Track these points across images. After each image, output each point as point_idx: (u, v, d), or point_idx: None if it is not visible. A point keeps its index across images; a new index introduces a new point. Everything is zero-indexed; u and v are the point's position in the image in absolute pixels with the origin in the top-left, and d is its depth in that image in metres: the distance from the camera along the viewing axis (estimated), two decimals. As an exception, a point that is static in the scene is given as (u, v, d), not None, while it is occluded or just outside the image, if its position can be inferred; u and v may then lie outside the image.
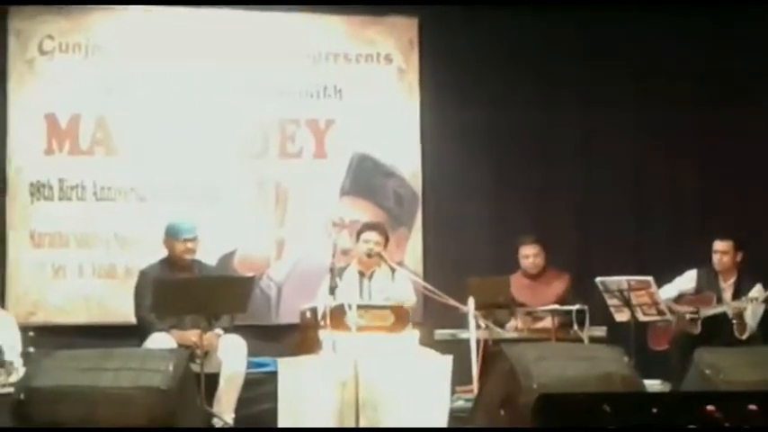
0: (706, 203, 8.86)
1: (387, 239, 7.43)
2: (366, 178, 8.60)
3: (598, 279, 7.59)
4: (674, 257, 8.29)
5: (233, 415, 6.88)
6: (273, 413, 6.53)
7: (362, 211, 8.49)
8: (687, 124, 8.93)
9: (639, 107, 8.91)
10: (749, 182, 8.82)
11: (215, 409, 6.78)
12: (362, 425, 6.18)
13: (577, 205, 8.90)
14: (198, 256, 7.35)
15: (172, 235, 7.22)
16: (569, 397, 5.05)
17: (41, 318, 8.03)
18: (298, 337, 7.26)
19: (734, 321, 7.61)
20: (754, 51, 8.75)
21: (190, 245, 7.20)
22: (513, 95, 8.75)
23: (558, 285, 8.01)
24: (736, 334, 7.59)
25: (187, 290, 6.65)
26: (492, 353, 6.73)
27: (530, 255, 8.08)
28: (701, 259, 7.99)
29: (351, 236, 7.88)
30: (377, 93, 8.64)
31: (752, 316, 7.65)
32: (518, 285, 7.95)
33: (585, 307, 7.42)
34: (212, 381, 6.75)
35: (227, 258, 8.29)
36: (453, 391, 6.79)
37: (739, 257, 7.92)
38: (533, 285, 8.05)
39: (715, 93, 8.82)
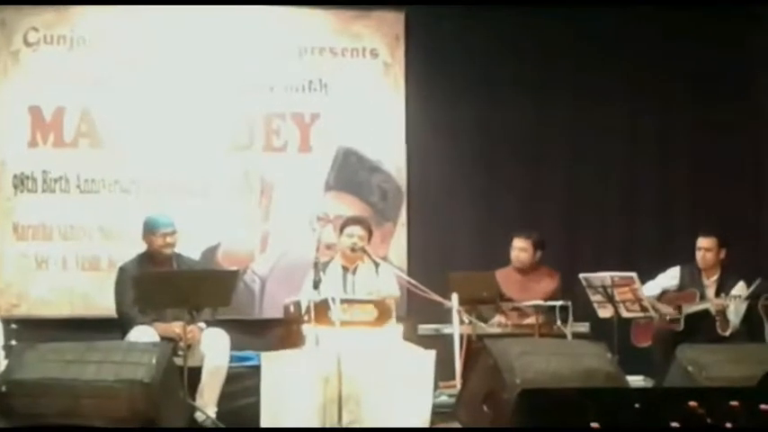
0: (694, 200, 8.89)
1: (370, 234, 7.42)
2: (351, 173, 8.59)
3: (582, 275, 7.60)
4: (663, 255, 8.31)
5: (215, 409, 6.86)
6: (256, 407, 6.52)
7: (347, 206, 8.49)
8: (677, 123, 8.97)
9: (629, 105, 8.93)
10: (736, 179, 8.85)
11: (198, 403, 6.76)
12: (345, 419, 6.18)
13: (565, 202, 8.91)
14: (182, 250, 7.34)
15: (150, 229, 7.21)
16: (552, 392, 5.07)
17: (24, 310, 8.01)
18: (281, 332, 7.26)
19: (717, 318, 7.62)
20: (743, 51, 8.78)
21: (169, 239, 7.18)
22: (499, 91, 8.75)
23: (549, 283, 7.99)
24: (719, 331, 7.60)
25: (170, 283, 6.63)
26: (475, 348, 6.75)
27: (516, 248, 8.07)
28: (691, 256, 8.00)
29: (335, 230, 7.87)
30: (362, 87, 8.63)
31: (734, 313, 7.66)
32: (508, 279, 7.94)
33: (569, 303, 7.43)
34: (195, 374, 6.74)
35: (211, 252, 8.28)
36: (436, 386, 6.80)
37: (723, 254, 7.92)
38: (523, 281, 8.04)
39: (705, 92, 8.85)
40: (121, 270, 7.21)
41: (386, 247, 8.51)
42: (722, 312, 7.61)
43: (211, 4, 8.34)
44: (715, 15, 8.61)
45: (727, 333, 7.59)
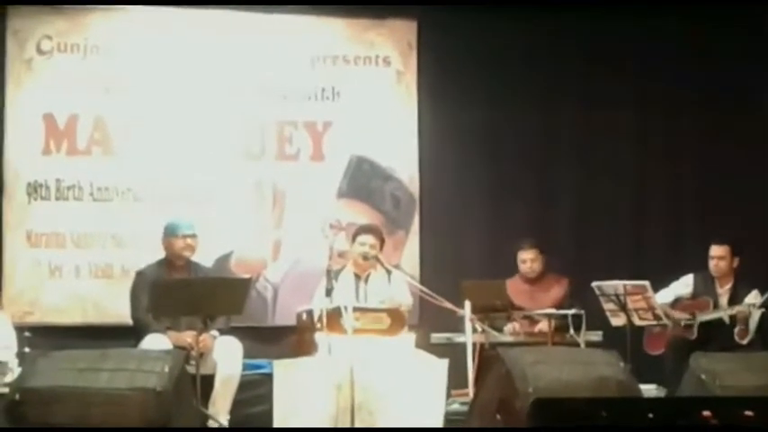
0: (705, 208, 8.86)
1: (382, 242, 7.43)
2: (363, 181, 8.59)
3: (594, 283, 7.58)
4: (674, 262, 8.29)
5: (228, 417, 6.88)
6: (269, 415, 6.53)
7: (359, 214, 8.49)
8: (687, 128, 8.95)
9: (639, 110, 8.92)
10: (748, 187, 8.82)
11: (210, 411, 6.77)
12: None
13: (576, 209, 8.90)
14: (195, 257, 7.35)
15: (171, 232, 7.23)
16: (565, 401, 5.05)
17: (37, 318, 8.02)
18: (294, 340, 7.25)
19: (738, 327, 7.55)
20: (753, 55, 8.75)
21: (189, 241, 7.21)
22: (511, 99, 8.75)
23: (557, 291, 7.99)
24: (737, 339, 7.56)
25: (184, 291, 6.64)
26: (488, 356, 6.73)
27: (527, 260, 8.06)
28: (701, 264, 7.97)
29: (347, 238, 7.87)
30: (375, 95, 8.65)
31: (750, 321, 7.64)
32: (517, 290, 7.93)
33: (582, 311, 7.41)
34: (208, 382, 6.74)
35: (223, 260, 8.29)
36: (449, 395, 6.79)
37: (736, 263, 7.89)
38: (532, 290, 8.03)
39: (714, 97, 8.83)
40: (139, 274, 7.22)
41: (398, 255, 8.52)
42: (744, 320, 7.58)
43: (223, 5, 8.35)
44: (723, 19, 8.56)
45: (746, 341, 7.56)
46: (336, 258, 7.54)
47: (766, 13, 8.41)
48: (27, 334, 7.16)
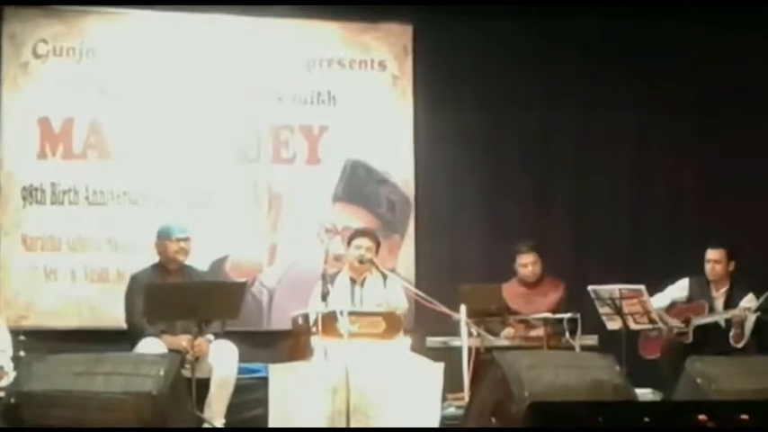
0: (704, 212, 8.87)
1: (378, 246, 7.43)
2: (359, 185, 8.60)
3: (590, 287, 7.58)
4: (671, 266, 8.30)
5: (224, 420, 6.87)
6: (264, 419, 6.53)
7: (355, 218, 8.49)
8: (686, 131, 8.96)
9: (638, 113, 8.93)
10: (747, 190, 8.83)
11: (206, 415, 6.77)
12: None
13: (573, 213, 8.91)
14: (190, 261, 7.35)
15: (164, 236, 7.22)
16: (561, 405, 5.06)
17: (33, 321, 8.00)
18: (289, 344, 7.25)
19: (734, 330, 7.58)
20: (754, 57, 8.76)
21: (183, 244, 7.19)
22: (507, 102, 8.76)
23: (554, 295, 7.99)
24: (732, 342, 7.58)
25: (179, 295, 6.64)
26: (484, 360, 6.74)
27: (528, 263, 8.06)
28: (698, 267, 7.98)
29: (343, 242, 7.87)
30: (371, 99, 8.65)
31: (746, 325, 7.65)
32: (513, 293, 7.94)
33: (577, 315, 7.41)
34: (203, 386, 6.74)
35: (219, 263, 8.28)
36: (444, 399, 6.79)
37: (732, 267, 7.91)
38: (529, 294, 8.04)
39: (715, 99, 8.84)
40: (133, 279, 7.22)
41: (393, 259, 8.51)
42: (740, 324, 7.58)
43: (219, 9, 8.35)
44: (725, 20, 8.55)
45: (741, 345, 7.57)
46: (332, 262, 7.55)
47: (766, 13, 8.41)
48: (22, 338, 7.15)
